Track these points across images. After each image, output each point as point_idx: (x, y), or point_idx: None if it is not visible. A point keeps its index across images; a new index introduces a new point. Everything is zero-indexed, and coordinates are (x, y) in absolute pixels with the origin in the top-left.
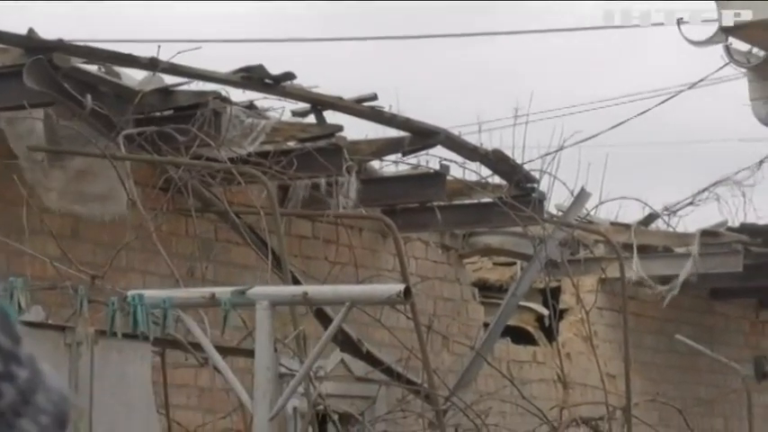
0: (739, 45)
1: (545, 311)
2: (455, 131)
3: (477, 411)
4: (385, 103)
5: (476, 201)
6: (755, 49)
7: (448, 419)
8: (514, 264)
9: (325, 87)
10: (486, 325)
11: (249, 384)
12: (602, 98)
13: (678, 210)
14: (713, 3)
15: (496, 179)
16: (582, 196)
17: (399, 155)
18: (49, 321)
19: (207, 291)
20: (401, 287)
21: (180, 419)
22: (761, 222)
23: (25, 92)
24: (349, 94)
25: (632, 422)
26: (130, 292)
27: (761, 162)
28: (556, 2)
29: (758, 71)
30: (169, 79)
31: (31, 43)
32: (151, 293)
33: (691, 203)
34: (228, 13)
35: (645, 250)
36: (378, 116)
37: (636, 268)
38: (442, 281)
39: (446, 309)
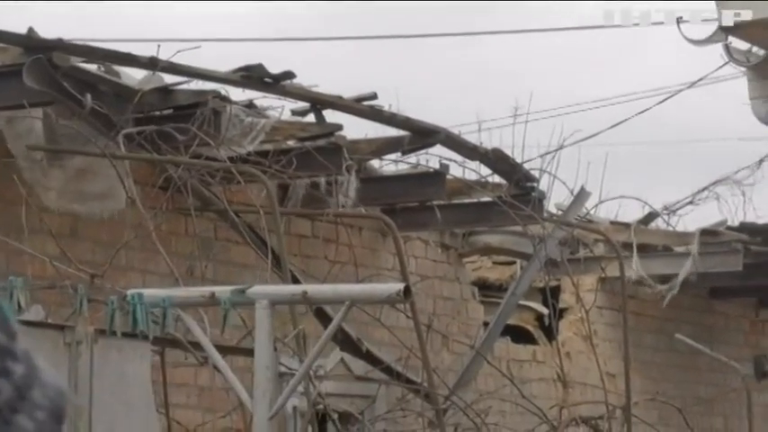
0: (739, 44)
1: (545, 310)
2: (455, 131)
3: (477, 410)
4: (385, 103)
5: (475, 200)
6: (755, 48)
7: (448, 418)
8: (514, 263)
9: (325, 87)
10: (485, 324)
11: (249, 383)
12: (602, 97)
13: (678, 209)
14: (713, 2)
15: (496, 178)
16: (581, 195)
17: (399, 154)
18: (49, 320)
19: (206, 290)
20: (401, 286)
21: (179, 418)
22: (760, 221)
23: (25, 91)
24: (349, 93)
25: (632, 421)
26: (130, 291)
27: (760, 161)
28: (556, 2)
29: (758, 70)
30: (169, 78)
31: (30, 42)
32: (151, 292)
33: (690, 202)
34: (228, 13)
35: (644, 249)
36: (377, 115)
37: (636, 267)
38: (442, 280)
39: (446, 308)
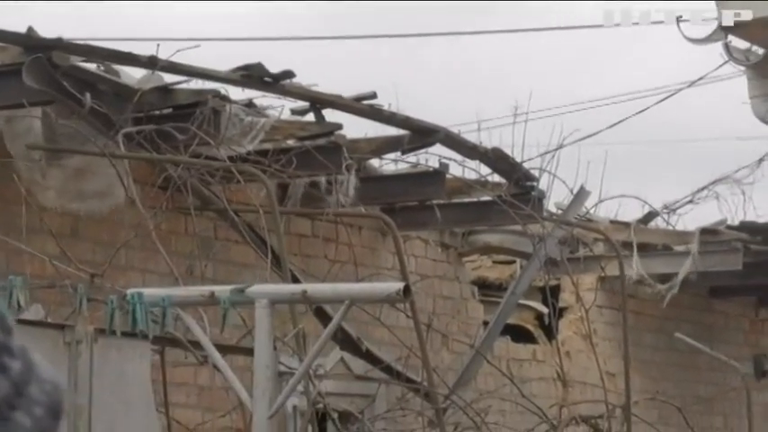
0: (739, 43)
1: (545, 310)
2: (454, 130)
3: (477, 410)
4: (384, 102)
5: (475, 199)
6: (755, 47)
7: (447, 418)
8: (514, 262)
9: (325, 86)
10: (485, 323)
11: (248, 383)
12: (602, 96)
13: (678, 208)
14: (713, 2)
15: (496, 177)
16: (581, 194)
17: (399, 153)
18: (49, 320)
19: (206, 289)
20: (400, 285)
21: (179, 418)
22: (760, 220)
23: (24, 90)
24: (348, 92)
25: (632, 420)
26: (130, 291)
27: (760, 160)
28: (556, 2)
29: (757, 69)
30: (168, 78)
31: (30, 42)
32: (150, 292)
33: (690, 202)
34: (228, 12)
35: (644, 248)
36: (377, 114)
37: (635, 266)
38: (442, 279)
39: (446, 307)
